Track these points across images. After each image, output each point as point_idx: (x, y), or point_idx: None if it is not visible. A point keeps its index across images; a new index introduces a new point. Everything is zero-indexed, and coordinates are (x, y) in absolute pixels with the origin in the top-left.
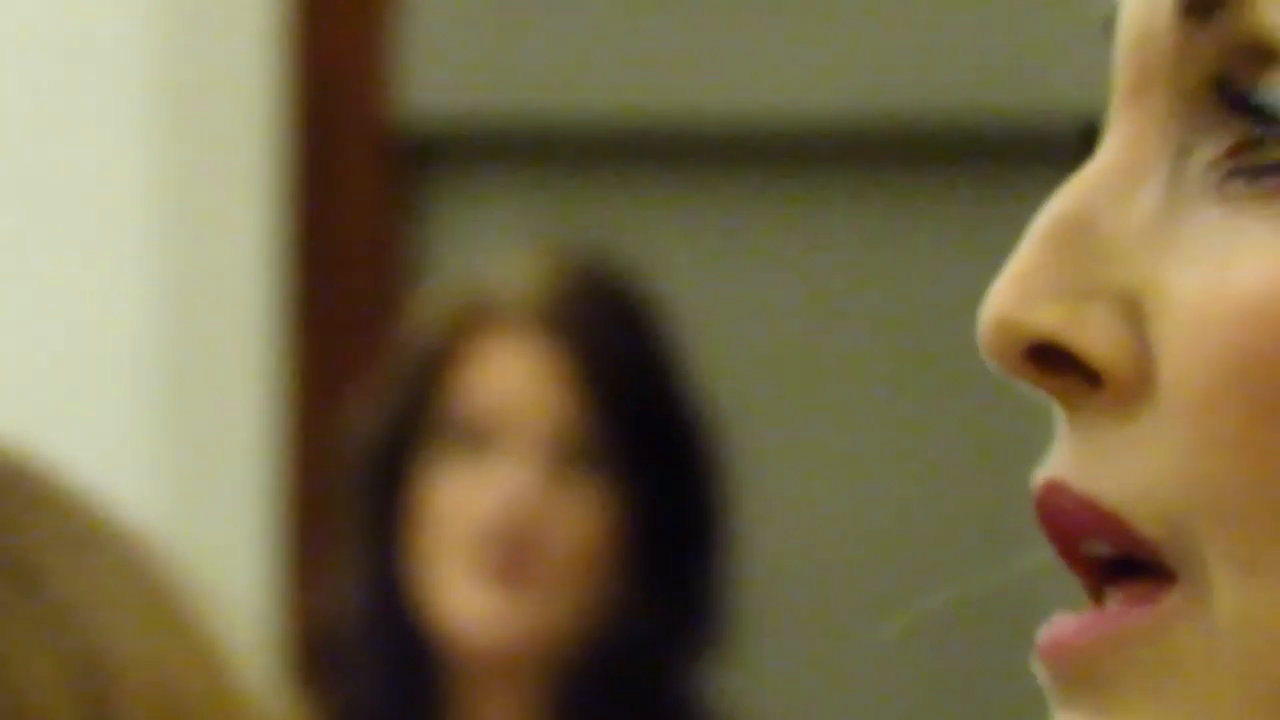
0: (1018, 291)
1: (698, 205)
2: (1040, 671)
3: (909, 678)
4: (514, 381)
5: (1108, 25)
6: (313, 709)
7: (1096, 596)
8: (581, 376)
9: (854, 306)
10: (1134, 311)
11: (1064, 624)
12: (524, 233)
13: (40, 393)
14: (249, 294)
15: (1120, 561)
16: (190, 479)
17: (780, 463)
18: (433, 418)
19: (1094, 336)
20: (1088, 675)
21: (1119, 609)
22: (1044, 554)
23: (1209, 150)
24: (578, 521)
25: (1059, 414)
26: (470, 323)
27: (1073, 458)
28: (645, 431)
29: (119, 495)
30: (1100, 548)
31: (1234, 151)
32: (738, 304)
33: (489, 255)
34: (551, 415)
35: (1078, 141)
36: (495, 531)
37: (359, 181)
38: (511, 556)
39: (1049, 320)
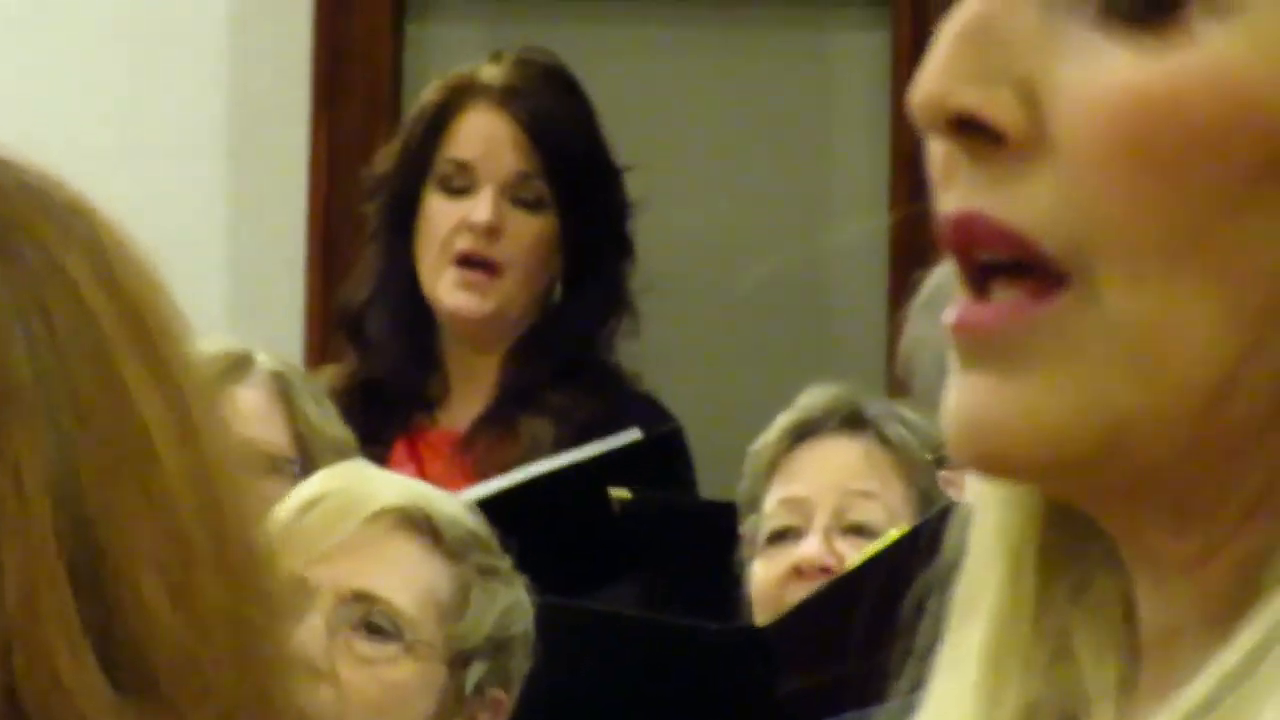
0: (941, 77)
1: (615, 25)
2: (952, 343)
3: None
4: (486, 138)
5: None
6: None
7: (979, 289)
8: (532, 136)
9: (706, 95)
10: (1030, 93)
11: (972, 309)
12: (491, 42)
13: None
14: (296, 87)
15: (1006, 265)
16: (250, 203)
17: (666, 203)
18: (430, 162)
19: (1002, 108)
20: (1000, 350)
21: (1024, 300)
22: None
23: None
24: (528, 235)
25: (950, 167)
26: (456, 98)
27: (982, 195)
28: (575, 174)
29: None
30: (995, 256)
31: None
32: (639, 91)
33: (467, 59)
34: (511, 162)
35: None
36: (471, 236)
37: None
38: (480, 261)
39: (968, 98)
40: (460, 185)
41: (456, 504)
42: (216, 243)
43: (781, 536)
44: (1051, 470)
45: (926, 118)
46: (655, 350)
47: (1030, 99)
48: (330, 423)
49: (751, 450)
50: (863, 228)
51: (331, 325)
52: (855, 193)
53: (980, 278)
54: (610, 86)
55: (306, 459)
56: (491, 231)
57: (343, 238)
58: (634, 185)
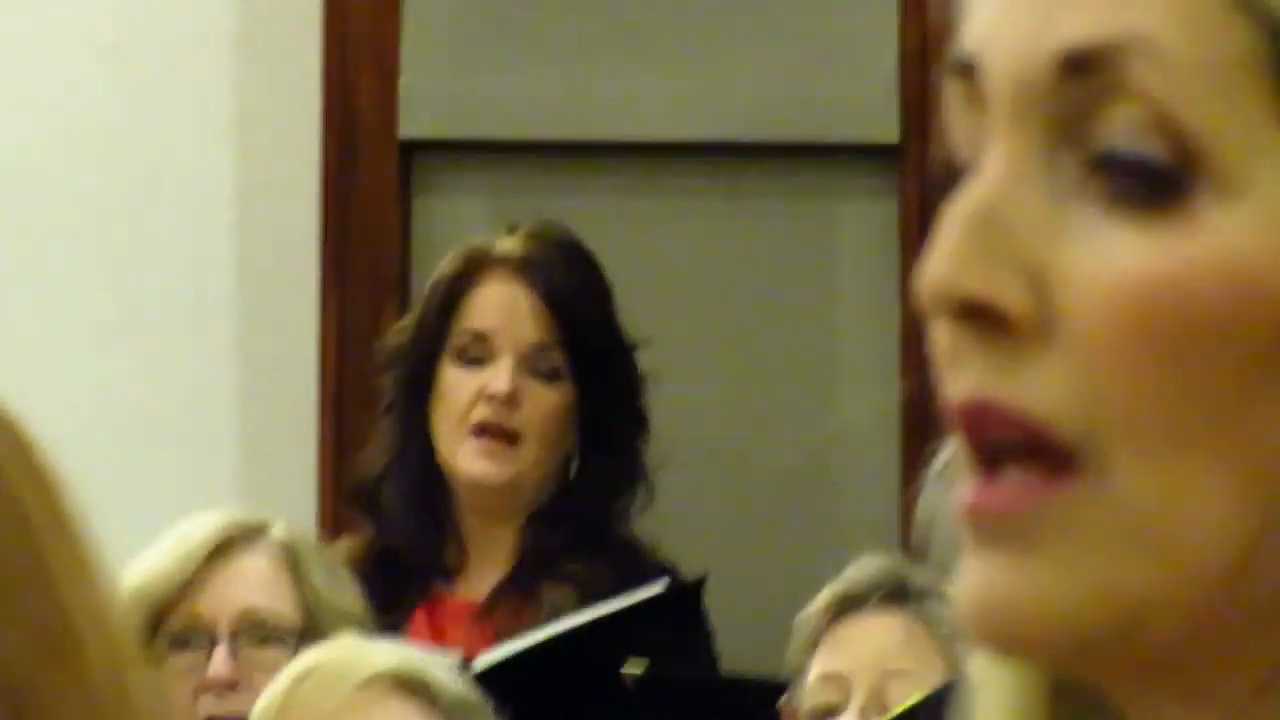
0: (948, 263)
1: (620, 196)
2: (962, 526)
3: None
4: (504, 309)
5: (962, 68)
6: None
7: (990, 469)
8: (550, 306)
9: (719, 266)
10: (1038, 279)
11: (984, 491)
12: (497, 217)
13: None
14: (303, 264)
15: (1017, 446)
16: (261, 377)
17: (678, 377)
18: (447, 333)
19: (1010, 295)
20: (1011, 533)
21: (1035, 483)
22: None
23: (1076, 154)
24: (546, 405)
25: (957, 349)
26: (473, 269)
27: (992, 381)
28: (592, 346)
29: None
30: (1006, 439)
31: (1093, 164)
32: (646, 263)
33: (481, 230)
34: (529, 332)
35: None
36: (489, 407)
37: (378, 180)
38: (499, 431)
39: (976, 285)
40: (477, 356)
41: (451, 668)
42: (228, 416)
43: (822, 713)
44: (1065, 652)
45: (934, 304)
46: (671, 523)
47: (1038, 285)
48: (340, 594)
49: (798, 619)
50: (874, 400)
51: (345, 497)
52: (866, 362)
53: (991, 458)
54: (618, 258)
55: (314, 630)
56: (510, 401)
57: (353, 411)
58: (646, 358)
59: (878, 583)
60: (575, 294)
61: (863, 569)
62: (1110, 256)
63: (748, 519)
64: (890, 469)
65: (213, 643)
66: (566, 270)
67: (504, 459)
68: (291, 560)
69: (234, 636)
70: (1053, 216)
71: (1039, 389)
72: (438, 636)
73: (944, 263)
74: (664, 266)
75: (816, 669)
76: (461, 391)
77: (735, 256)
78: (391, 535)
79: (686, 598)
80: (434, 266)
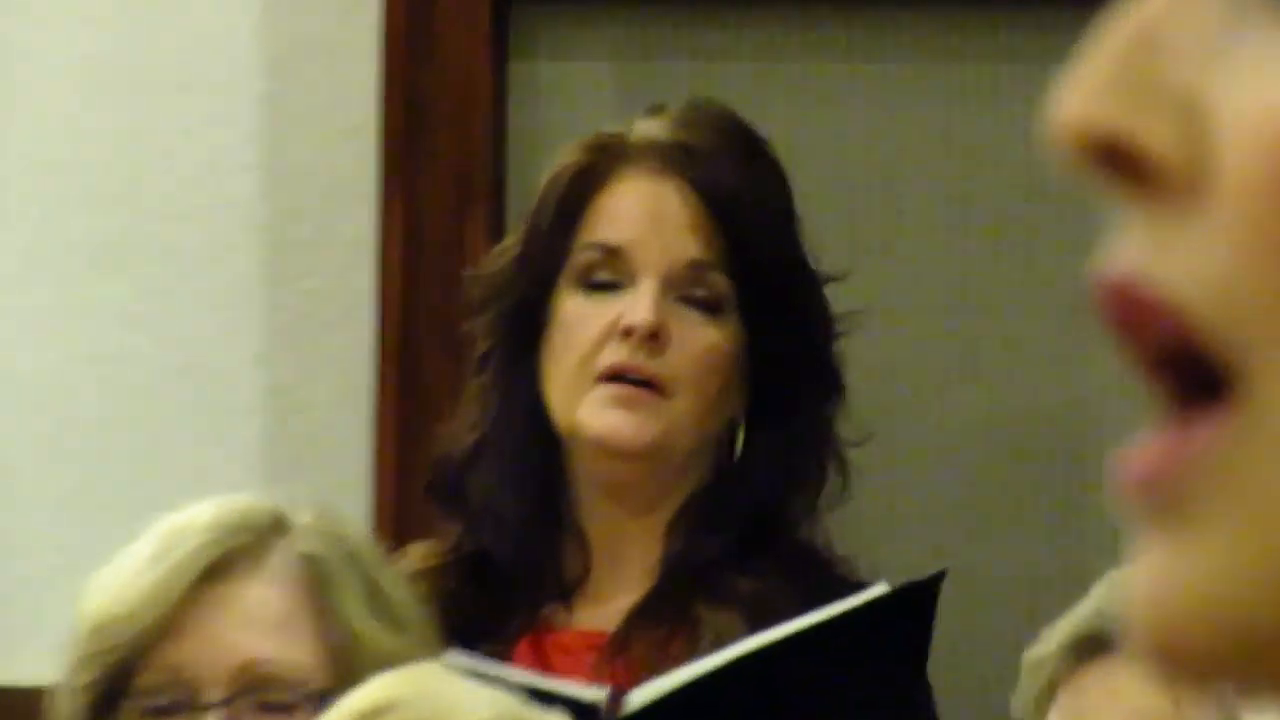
0: (1087, 93)
1: (804, 60)
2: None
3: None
4: (646, 215)
5: None
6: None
7: (1174, 410)
8: (712, 211)
9: (953, 165)
10: (1193, 116)
11: (1137, 457)
12: (628, 91)
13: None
14: (358, 154)
15: (1179, 366)
16: (295, 313)
17: (887, 320)
18: (567, 249)
19: (1155, 133)
20: (1165, 502)
21: (1181, 426)
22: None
23: None
24: (702, 346)
25: (1120, 212)
26: (604, 162)
27: (1135, 246)
28: (770, 268)
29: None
30: (1153, 339)
31: None
32: (846, 160)
33: (607, 109)
34: (682, 247)
35: None
36: (625, 347)
37: (465, 37)
38: (637, 370)
39: (1113, 117)
40: (609, 278)
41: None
42: (250, 367)
43: None
44: (1239, 659)
45: (1068, 145)
46: (873, 524)
47: (1194, 123)
48: (390, 630)
49: (1027, 660)
50: None
51: (413, 483)
52: None
53: (1159, 373)
54: (806, 153)
55: (342, 685)
56: (655, 338)
57: (426, 366)
58: (842, 294)
59: None
60: (746, 196)
61: (1115, 590)
62: (1275, 81)
63: (977, 508)
64: None
65: (201, 707)
66: (734, 164)
67: (646, 411)
68: (317, 581)
69: (231, 699)
70: (1227, 37)
71: (1184, 263)
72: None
73: (1080, 92)
74: (873, 165)
75: None
76: (586, 327)
77: (976, 150)
78: (486, 536)
79: (916, 604)
80: (539, 162)
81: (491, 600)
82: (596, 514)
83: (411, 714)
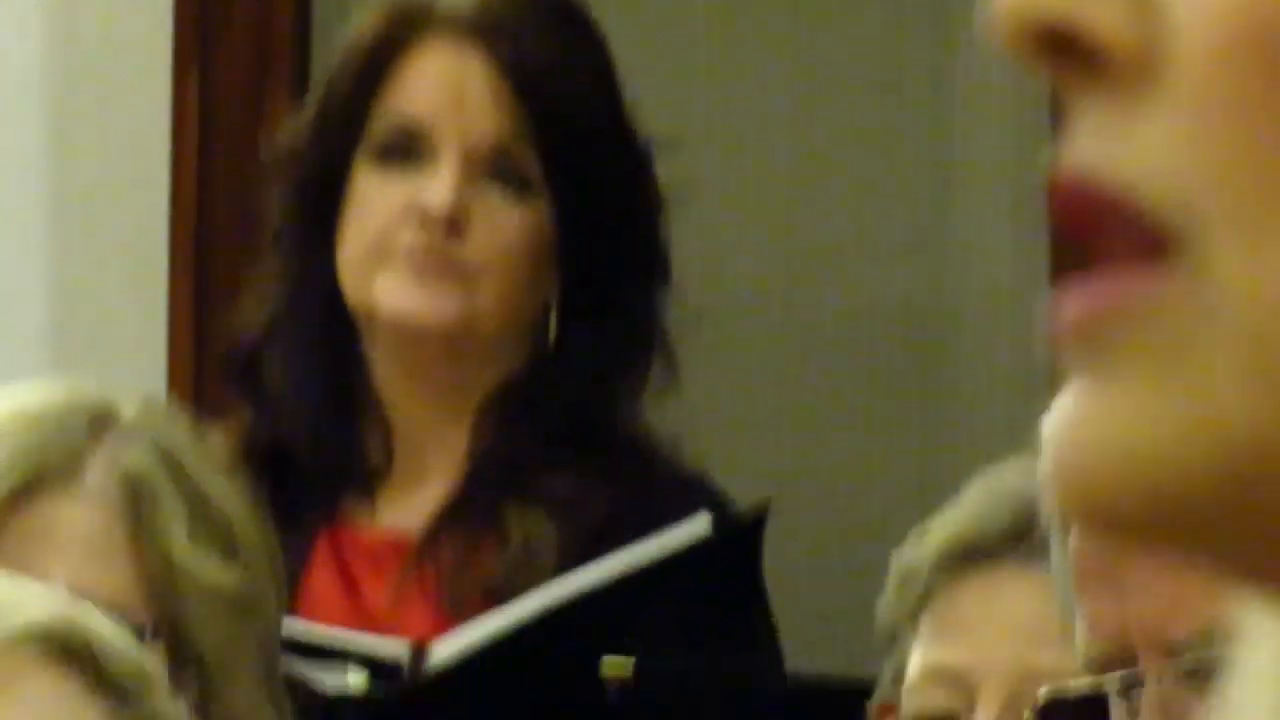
0: None
1: None
2: (1059, 356)
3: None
4: (446, 86)
5: None
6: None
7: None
8: (517, 83)
9: (764, 28)
10: None
11: (1072, 299)
12: None
13: None
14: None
15: (1112, 236)
16: (83, 191)
17: (715, 196)
18: (364, 122)
19: (1103, 14)
20: (1098, 345)
21: (1123, 277)
22: None
23: None
24: (509, 228)
25: (1072, 103)
26: (403, 30)
27: (1090, 148)
28: (582, 143)
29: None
30: (1101, 227)
31: None
32: (669, 30)
33: None
34: (485, 121)
35: None
36: (423, 232)
37: None
38: (436, 255)
39: (1057, 1)
40: (407, 153)
41: (121, 633)
42: (33, 248)
43: None
44: (1159, 511)
45: (1010, 34)
46: (701, 414)
47: (1146, 1)
48: (215, 556)
49: (895, 566)
50: (1009, 228)
51: (207, 367)
52: (992, 170)
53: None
54: (627, 21)
55: (163, 617)
56: (453, 222)
57: (221, 239)
58: (667, 170)
59: (1017, 520)
60: (555, 68)
61: (993, 494)
62: None
63: (816, 407)
64: (1016, 325)
65: None
66: (544, 31)
67: (447, 290)
68: (136, 501)
69: None
70: None
71: (1138, 151)
72: (348, 582)
73: None
74: (696, 35)
75: (925, 655)
76: (382, 205)
77: (804, 26)
78: (280, 422)
79: (739, 541)
80: (345, 23)
81: (288, 492)
82: (399, 401)
83: None
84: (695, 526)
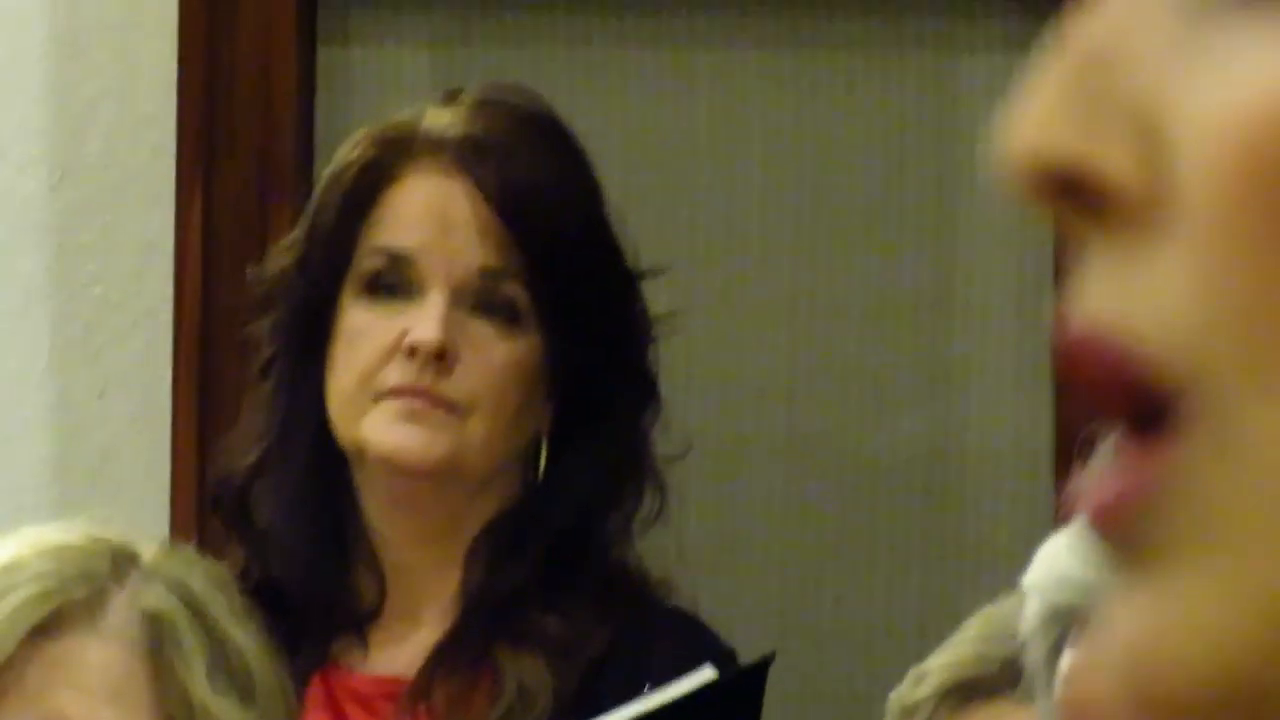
0: (1035, 118)
1: (623, 48)
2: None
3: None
4: (433, 217)
5: None
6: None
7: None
8: (504, 214)
9: (754, 135)
10: (1151, 133)
11: (1093, 492)
12: (440, 76)
13: None
14: (153, 146)
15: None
16: (85, 321)
17: (709, 322)
18: (350, 252)
19: (1111, 158)
20: (1130, 537)
21: (1139, 458)
22: None
23: None
24: (497, 362)
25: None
26: (390, 157)
27: (1094, 288)
28: (571, 272)
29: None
30: (1116, 392)
31: None
32: (661, 150)
33: (404, 98)
34: (472, 253)
35: None
36: (411, 368)
37: (268, 20)
38: (425, 392)
39: (1066, 144)
40: (394, 286)
41: None
42: (36, 379)
43: None
44: (1225, 703)
45: (1020, 178)
46: (695, 547)
47: (1153, 140)
48: (233, 699)
49: (895, 704)
50: (1021, 370)
51: (205, 500)
52: (1005, 295)
53: (1126, 420)
54: (617, 142)
55: None
56: (442, 357)
57: (225, 368)
58: (660, 294)
59: (1017, 656)
60: (542, 197)
61: (993, 630)
62: (1235, 77)
63: (810, 541)
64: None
65: None
66: (529, 160)
67: (435, 427)
68: (158, 642)
69: None
70: (1184, 43)
71: (1147, 298)
72: None
73: (1030, 119)
74: (689, 156)
75: None
76: (369, 340)
77: (805, 140)
78: (271, 561)
79: (745, 689)
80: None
81: (282, 632)
82: (390, 539)
83: None
84: (699, 676)
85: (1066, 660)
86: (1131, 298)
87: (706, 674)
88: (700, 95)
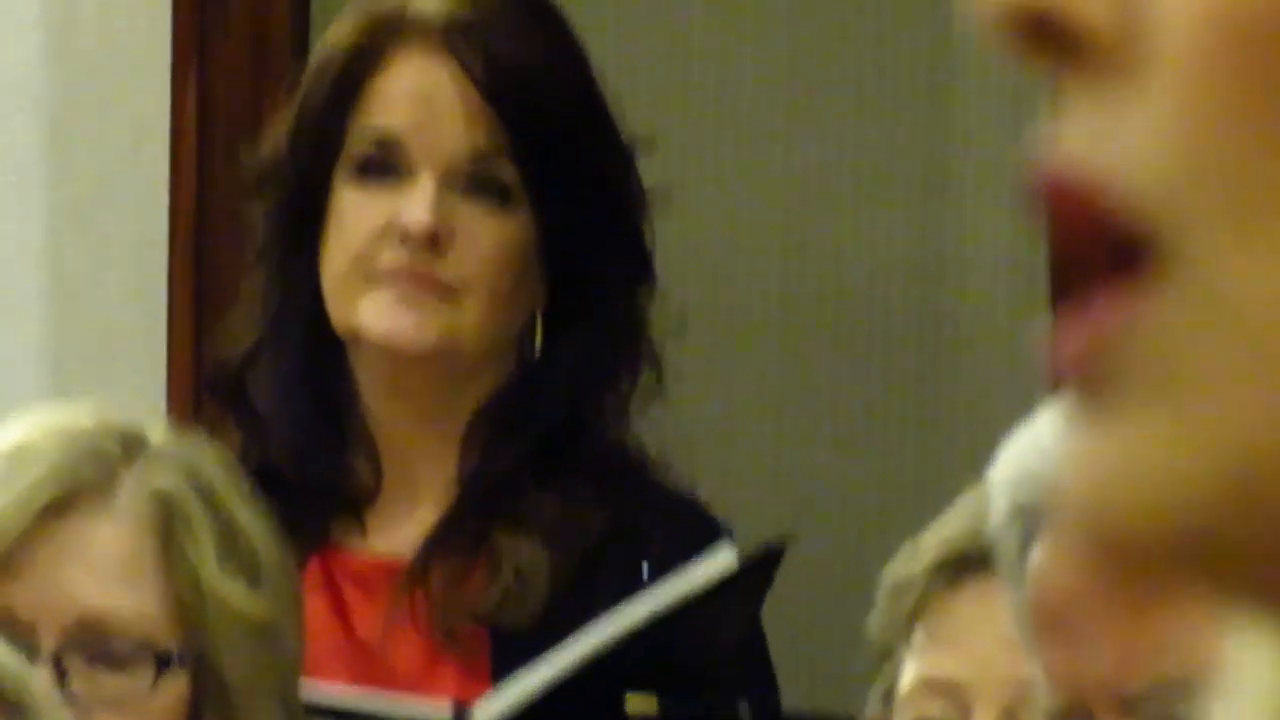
0: None
1: None
2: (1056, 394)
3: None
4: (421, 98)
5: None
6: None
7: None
8: (491, 93)
9: (769, 27)
10: None
11: (1066, 331)
12: None
13: None
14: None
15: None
16: (81, 202)
17: (702, 196)
18: (341, 136)
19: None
20: (1094, 379)
21: (1111, 299)
22: None
23: None
24: (489, 242)
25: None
26: (377, 39)
27: (1071, 130)
28: (561, 149)
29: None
30: (1086, 234)
31: None
32: (652, 22)
33: None
34: (461, 135)
35: None
36: (404, 251)
37: None
38: (419, 275)
39: None
40: (384, 170)
41: (8, 649)
42: (32, 255)
43: None
44: (1178, 546)
45: (993, 18)
46: (691, 425)
47: None
48: (241, 582)
49: (886, 580)
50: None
51: (202, 386)
52: (985, 160)
53: (1085, 272)
54: (608, 15)
55: (190, 643)
56: (434, 240)
57: (221, 246)
58: (652, 169)
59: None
60: (530, 72)
61: (987, 504)
62: None
63: (806, 415)
64: (1011, 311)
65: (37, 655)
66: (516, 40)
67: (430, 310)
68: (167, 522)
69: (62, 653)
70: None
71: (1121, 142)
72: (339, 608)
73: None
74: (679, 26)
75: (919, 666)
76: (362, 223)
77: (797, 8)
78: (268, 446)
79: (758, 578)
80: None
81: (279, 515)
82: (386, 421)
83: None
84: (719, 562)
85: (1034, 559)
86: (1107, 139)
87: (725, 562)
88: None
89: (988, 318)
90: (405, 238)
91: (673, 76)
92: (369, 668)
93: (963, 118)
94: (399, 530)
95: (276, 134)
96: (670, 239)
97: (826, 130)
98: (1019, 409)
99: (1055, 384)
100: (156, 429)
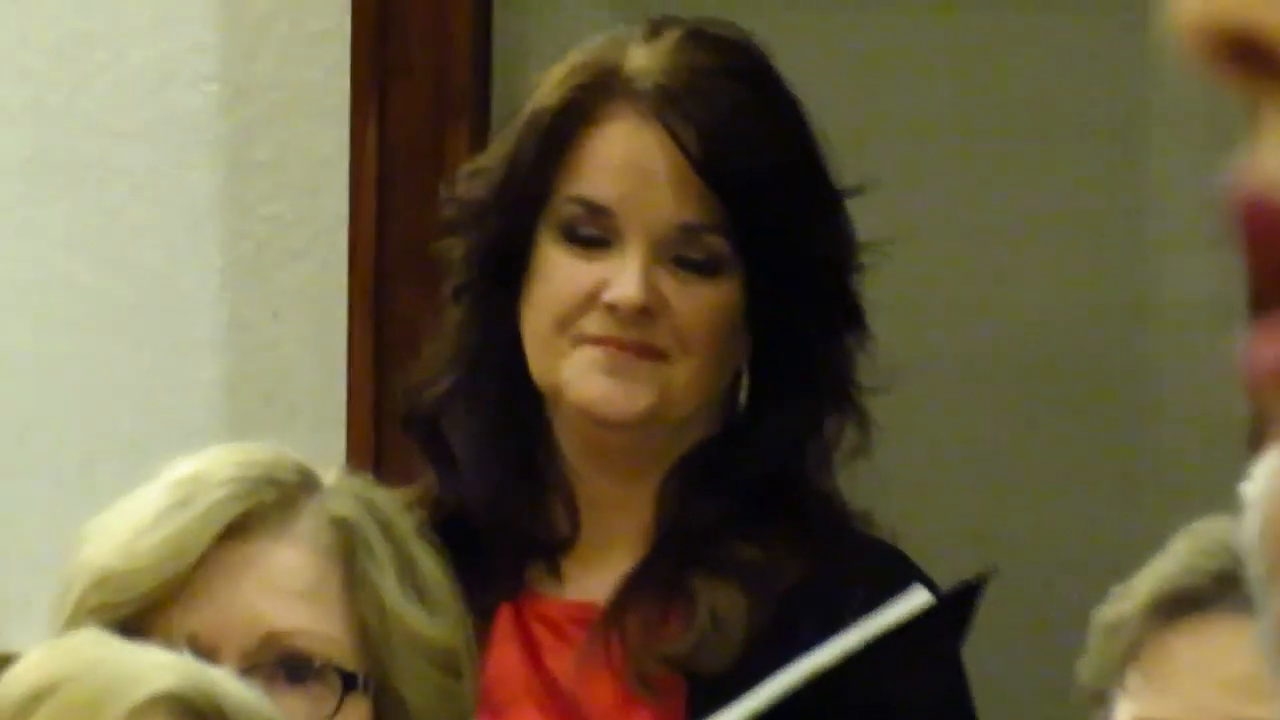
0: None
1: None
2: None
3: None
4: (633, 169)
5: None
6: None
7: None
8: (704, 169)
9: (967, 73)
10: None
11: (1266, 343)
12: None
13: None
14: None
15: None
16: (256, 237)
17: (917, 246)
18: (546, 195)
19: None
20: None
21: None
22: None
23: None
24: (700, 310)
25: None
26: (589, 100)
27: (1269, 158)
28: (774, 221)
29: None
30: None
31: None
32: (872, 78)
33: (582, 21)
34: (672, 208)
35: None
36: (613, 322)
37: None
38: (629, 346)
39: (1241, 5)
40: (591, 236)
41: (251, 690)
42: (208, 300)
43: None
44: None
45: (1193, 42)
46: (895, 478)
47: None
48: (420, 609)
49: (1100, 622)
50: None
51: (390, 424)
52: (1183, 202)
53: None
54: (831, 72)
55: (374, 668)
56: (644, 314)
57: (400, 291)
58: (864, 217)
59: (1227, 568)
60: (744, 148)
61: (1201, 544)
62: None
63: (1006, 467)
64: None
65: None
66: (731, 109)
67: (639, 378)
68: (349, 548)
69: (245, 675)
70: None
71: None
72: (531, 652)
73: None
74: (899, 82)
75: (1134, 709)
76: (568, 286)
77: (1016, 63)
78: (462, 491)
79: (957, 609)
80: (526, 71)
81: (471, 559)
82: (584, 471)
83: (78, 692)
84: (915, 599)
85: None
86: None
87: (921, 597)
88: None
89: (1189, 362)
90: (614, 310)
91: (870, 123)
92: (562, 710)
93: (1160, 159)
94: (594, 578)
95: (477, 175)
96: (875, 290)
97: (1022, 177)
98: (1221, 456)
99: (1252, 397)
100: (330, 471)
